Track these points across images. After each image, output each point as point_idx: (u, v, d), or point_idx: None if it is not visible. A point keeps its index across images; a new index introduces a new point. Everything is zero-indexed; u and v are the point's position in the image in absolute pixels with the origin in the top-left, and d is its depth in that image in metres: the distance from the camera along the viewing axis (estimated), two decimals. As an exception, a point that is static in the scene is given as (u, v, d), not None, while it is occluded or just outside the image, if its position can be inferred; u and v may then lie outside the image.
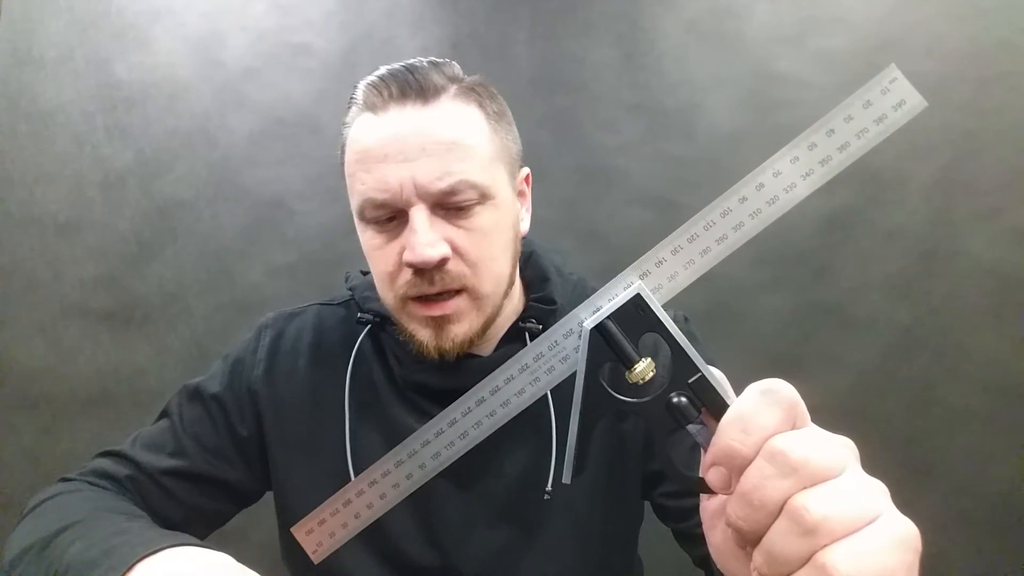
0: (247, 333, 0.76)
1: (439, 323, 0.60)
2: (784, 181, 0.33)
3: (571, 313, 0.36)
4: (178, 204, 1.52)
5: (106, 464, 0.68)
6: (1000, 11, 1.44)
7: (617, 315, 0.34)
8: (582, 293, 0.72)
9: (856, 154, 0.33)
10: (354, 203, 0.61)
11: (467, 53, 1.53)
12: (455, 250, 0.58)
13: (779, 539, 0.28)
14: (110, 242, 1.49)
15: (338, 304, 0.77)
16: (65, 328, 1.47)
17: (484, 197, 0.59)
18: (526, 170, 0.69)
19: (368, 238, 0.61)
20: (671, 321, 0.34)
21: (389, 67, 0.61)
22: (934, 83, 1.44)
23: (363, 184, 0.59)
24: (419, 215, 0.57)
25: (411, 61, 0.61)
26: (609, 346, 0.34)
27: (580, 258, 1.46)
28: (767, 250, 1.48)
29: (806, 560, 0.28)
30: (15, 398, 1.45)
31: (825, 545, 0.27)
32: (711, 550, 0.37)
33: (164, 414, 0.73)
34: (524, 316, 0.68)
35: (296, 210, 1.54)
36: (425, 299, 0.60)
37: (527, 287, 0.72)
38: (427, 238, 0.57)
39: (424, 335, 0.61)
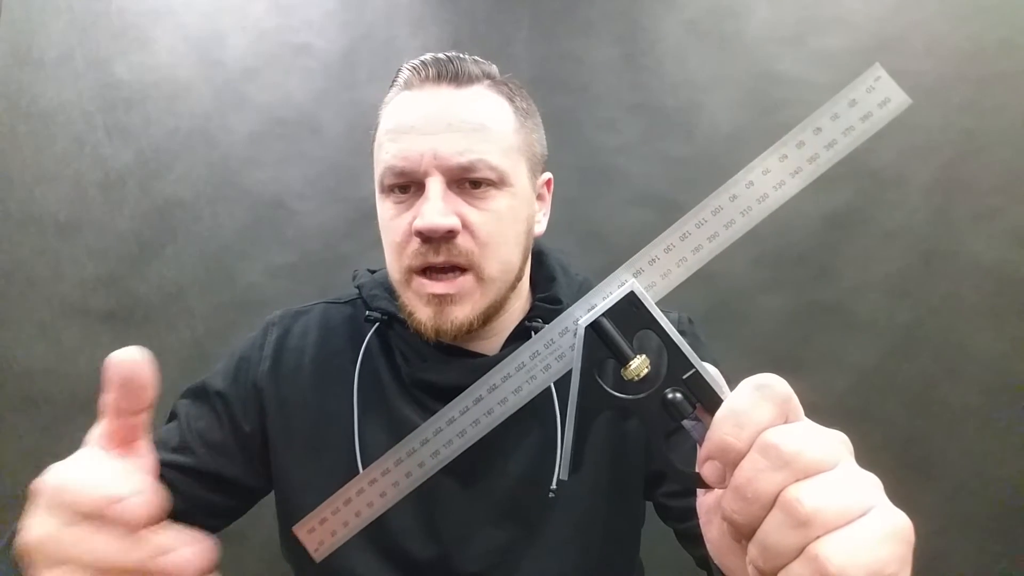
0: (252, 331, 0.77)
1: (441, 302, 0.60)
2: (773, 179, 0.34)
3: (567, 311, 0.36)
4: (178, 204, 1.52)
5: None
6: (1000, 11, 1.44)
7: (611, 313, 0.35)
8: (587, 293, 0.73)
9: (843, 152, 0.33)
10: (377, 174, 0.63)
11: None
12: (465, 226, 0.60)
13: (773, 531, 0.29)
14: (110, 242, 1.49)
15: (344, 302, 0.77)
16: (65, 328, 1.47)
17: (502, 182, 0.61)
18: (548, 175, 0.71)
19: (385, 209, 0.63)
20: (664, 318, 0.34)
21: (432, 54, 0.65)
22: (934, 83, 1.44)
23: (387, 153, 0.61)
24: (434, 185, 0.59)
25: (452, 52, 0.65)
26: (604, 343, 0.35)
27: (580, 258, 1.45)
28: (767, 250, 1.48)
29: (799, 552, 0.28)
30: (15, 398, 1.46)
31: (818, 537, 0.28)
32: (708, 545, 0.37)
33: (173, 415, 0.73)
34: (530, 316, 0.69)
35: (296, 210, 1.54)
36: (431, 274, 0.61)
37: (534, 287, 0.73)
38: (438, 207, 0.58)
39: (424, 314, 0.61)
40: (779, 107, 1.49)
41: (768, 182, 0.33)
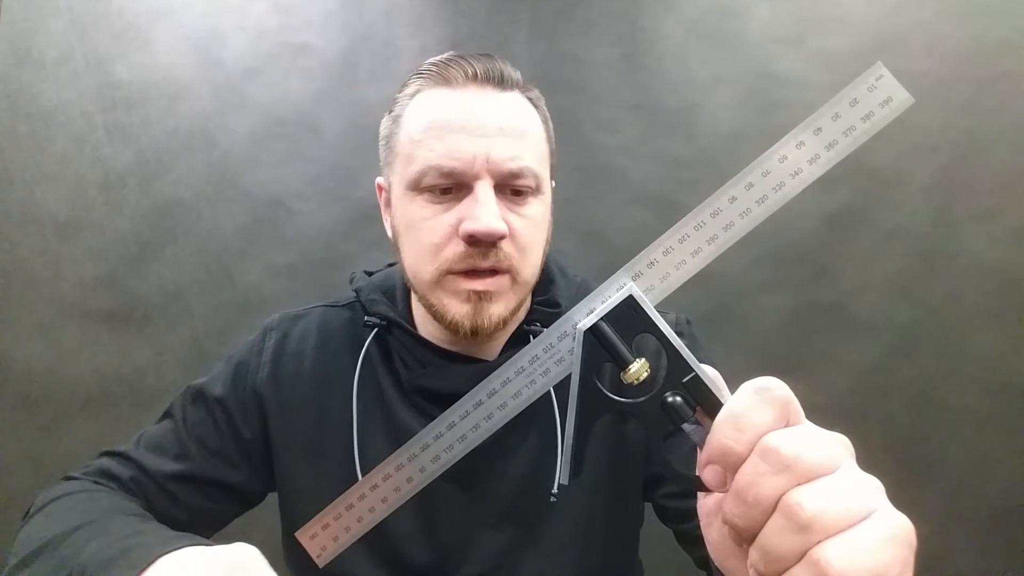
0: (250, 335, 0.76)
1: (480, 299, 0.60)
2: (773, 180, 0.33)
3: (565, 315, 0.36)
4: (178, 204, 1.52)
5: (110, 464, 0.68)
6: (1000, 11, 1.44)
7: (610, 316, 0.34)
8: (585, 295, 0.72)
9: (844, 152, 0.33)
10: (412, 171, 0.60)
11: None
12: (510, 232, 0.60)
13: (774, 536, 0.29)
14: (110, 242, 1.49)
15: (343, 306, 0.77)
16: (65, 328, 1.47)
17: (538, 189, 0.62)
18: (553, 183, 0.71)
19: (417, 208, 0.61)
20: (663, 321, 0.34)
21: (467, 53, 0.64)
22: (934, 83, 1.44)
23: (431, 151, 0.59)
24: (486, 189, 0.58)
25: (487, 53, 0.65)
26: (603, 347, 0.34)
27: (580, 258, 1.46)
28: (767, 250, 1.48)
29: (801, 556, 0.28)
30: (15, 398, 1.46)
31: (819, 541, 0.27)
32: (708, 548, 0.37)
33: (167, 415, 0.73)
34: (529, 319, 0.68)
35: (296, 210, 1.54)
36: (471, 273, 0.60)
37: (532, 290, 0.72)
38: (494, 211, 0.58)
39: (461, 311, 0.60)
40: (779, 107, 1.49)
41: (767, 184, 0.33)
